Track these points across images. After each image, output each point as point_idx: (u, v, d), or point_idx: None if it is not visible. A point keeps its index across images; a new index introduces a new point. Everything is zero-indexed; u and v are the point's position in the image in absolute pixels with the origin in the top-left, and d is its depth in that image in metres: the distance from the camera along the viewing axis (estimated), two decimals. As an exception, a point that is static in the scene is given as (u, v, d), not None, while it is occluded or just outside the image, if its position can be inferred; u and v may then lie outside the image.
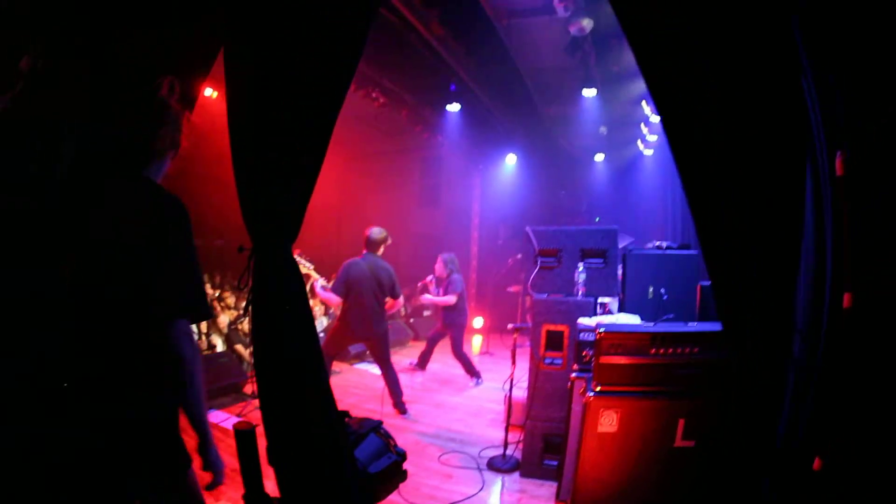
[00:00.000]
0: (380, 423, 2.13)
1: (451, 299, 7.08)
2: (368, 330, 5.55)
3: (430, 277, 7.47)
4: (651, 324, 2.99)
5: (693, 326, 2.83)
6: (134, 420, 1.57)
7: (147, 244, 1.58)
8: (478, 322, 11.07)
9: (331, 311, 8.48)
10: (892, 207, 1.39)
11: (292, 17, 1.88)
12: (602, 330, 2.89)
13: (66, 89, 1.90)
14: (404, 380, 7.11)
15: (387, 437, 2.09)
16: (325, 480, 1.92)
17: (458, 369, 7.48)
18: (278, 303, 1.90)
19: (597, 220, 12.01)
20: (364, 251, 5.59)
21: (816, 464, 1.55)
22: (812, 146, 1.60)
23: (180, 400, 1.66)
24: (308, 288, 8.16)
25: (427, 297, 7.28)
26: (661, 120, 1.81)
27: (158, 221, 1.62)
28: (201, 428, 1.72)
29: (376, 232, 5.64)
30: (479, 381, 7.38)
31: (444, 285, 7.37)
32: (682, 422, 2.74)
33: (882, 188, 1.40)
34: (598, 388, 2.87)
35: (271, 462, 1.95)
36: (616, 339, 2.86)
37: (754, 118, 1.54)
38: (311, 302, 7.95)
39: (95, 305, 1.52)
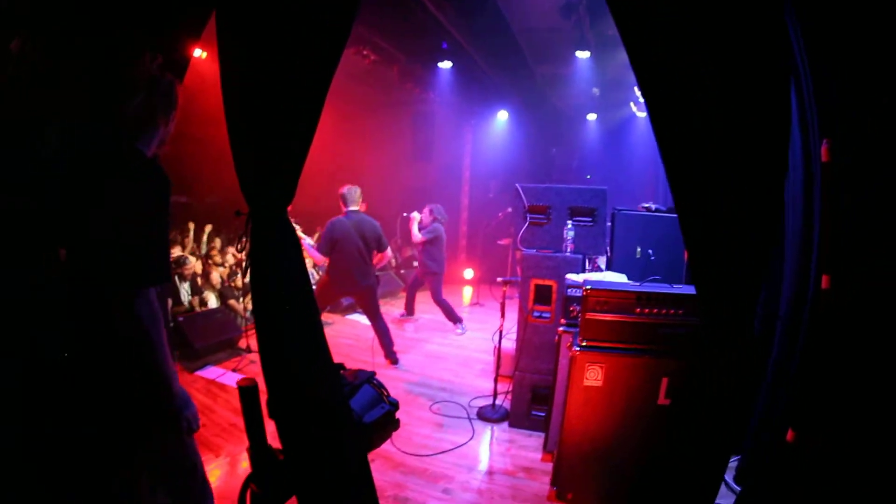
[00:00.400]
0: (373, 374, 2.22)
1: (416, 235, 7.37)
2: (354, 284, 5.67)
3: (413, 213, 7.59)
4: (637, 283, 3.08)
5: (679, 289, 2.91)
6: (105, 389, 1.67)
7: (121, 216, 1.64)
8: (468, 273, 11.22)
9: (319, 267, 8.59)
10: (883, 196, 1.46)
11: None
12: (589, 287, 2.97)
13: (56, 67, 1.91)
14: (395, 330, 7.29)
15: (380, 387, 2.18)
16: (324, 430, 2.02)
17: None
18: (275, 265, 1.96)
19: (588, 177, 12.04)
20: (346, 210, 5.65)
21: (790, 435, 1.66)
22: (806, 132, 1.65)
23: (145, 364, 1.74)
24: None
25: (415, 231, 7.46)
26: (641, 85, 1.83)
27: (136, 194, 1.68)
28: (167, 387, 1.81)
29: (349, 189, 5.72)
30: (462, 326, 7.64)
31: (427, 229, 7.57)
32: (665, 380, 2.85)
33: (875, 176, 1.46)
34: (584, 343, 2.97)
35: (272, 415, 2.03)
36: (602, 296, 2.94)
37: (738, 93, 1.58)
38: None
39: (76, 277, 1.60)
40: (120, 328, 1.68)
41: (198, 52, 6.51)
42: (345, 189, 5.70)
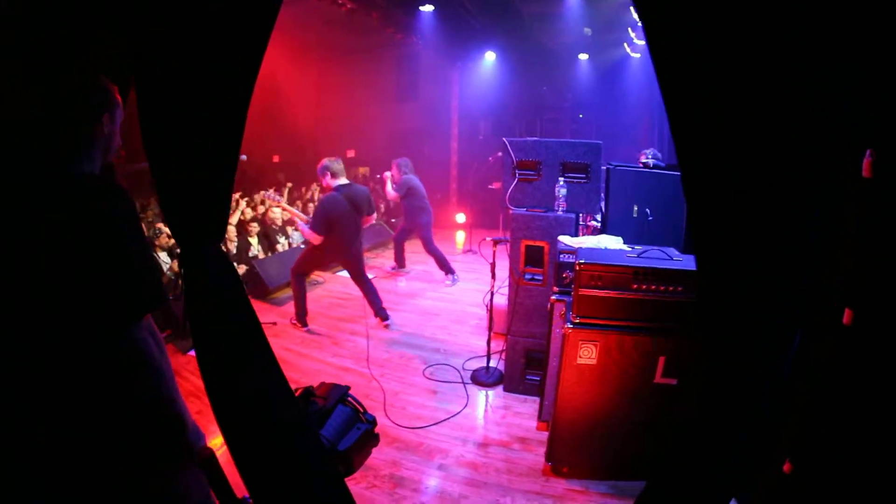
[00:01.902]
0: (346, 389, 2.08)
1: (391, 193, 7.51)
2: (346, 252, 5.51)
3: (387, 174, 7.66)
4: (635, 254, 2.91)
5: (678, 263, 2.74)
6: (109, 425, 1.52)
7: (93, 246, 1.44)
8: (460, 218, 11.04)
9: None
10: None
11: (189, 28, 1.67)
12: (582, 262, 2.81)
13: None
14: (387, 284, 7.25)
15: (355, 403, 2.04)
16: (292, 478, 1.91)
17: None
18: (214, 300, 1.79)
19: (580, 115, 11.73)
20: (334, 183, 5.36)
21: (787, 467, 1.54)
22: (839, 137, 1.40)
23: (153, 398, 1.59)
24: (284, 217, 8.14)
25: (390, 191, 7.59)
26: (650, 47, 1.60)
27: (102, 220, 1.47)
28: (179, 422, 1.66)
29: (333, 161, 5.42)
30: (455, 277, 7.59)
31: (400, 183, 7.55)
32: (662, 359, 2.73)
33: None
34: (577, 320, 2.84)
35: (237, 464, 1.92)
36: (597, 271, 2.79)
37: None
38: (281, 213, 7.93)
39: (51, 314, 1.42)
40: (121, 363, 1.52)
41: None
42: (326, 161, 5.38)
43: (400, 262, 8.12)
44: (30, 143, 1.55)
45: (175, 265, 6.30)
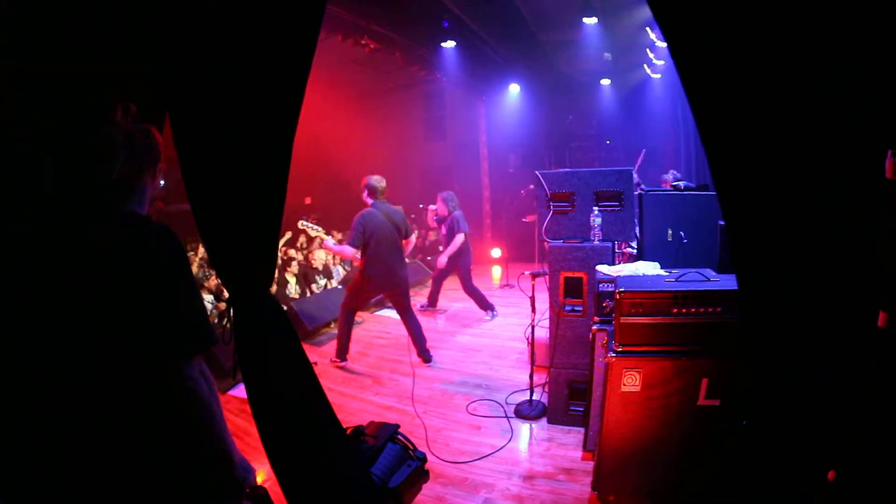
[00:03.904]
0: (396, 427, 2.10)
1: (459, 239, 7.22)
2: (393, 279, 5.53)
3: (431, 206, 7.57)
4: (673, 278, 2.91)
5: (715, 283, 2.73)
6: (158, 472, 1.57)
7: (141, 286, 1.51)
8: (495, 253, 11.07)
9: (345, 262, 8.56)
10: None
11: (228, 74, 1.76)
12: (622, 290, 2.81)
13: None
14: (426, 323, 7.21)
15: (405, 441, 2.07)
16: None
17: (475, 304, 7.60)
18: (267, 351, 1.84)
19: (608, 142, 11.75)
20: (371, 200, 5.49)
21: (831, 475, 1.50)
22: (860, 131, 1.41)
23: (202, 435, 1.63)
24: (318, 244, 8.25)
25: (443, 258, 7.30)
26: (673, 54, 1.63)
27: (150, 259, 1.54)
28: (228, 458, 1.70)
29: (377, 179, 5.55)
30: (494, 313, 7.54)
31: (448, 223, 7.42)
32: (705, 381, 2.70)
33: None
34: (620, 349, 2.83)
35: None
36: (637, 298, 2.79)
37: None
38: (325, 255, 8.02)
39: (98, 355, 1.48)
40: (172, 401, 1.58)
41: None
42: (372, 179, 5.52)
43: (433, 301, 8.08)
44: (88, 184, 1.64)
45: (221, 306, 6.46)
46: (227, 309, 1.82)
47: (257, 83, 1.77)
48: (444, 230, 7.54)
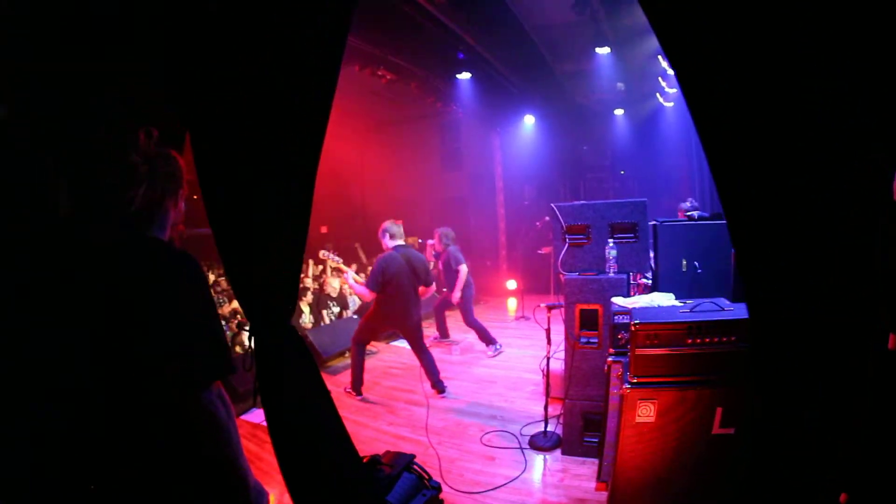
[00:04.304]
0: (412, 457, 2.12)
1: (464, 270, 7.34)
2: (407, 320, 5.59)
3: (429, 241, 7.63)
4: (687, 308, 2.92)
5: (729, 313, 2.74)
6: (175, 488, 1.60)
7: (164, 314, 1.56)
8: (511, 284, 11.07)
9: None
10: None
11: (254, 95, 1.82)
12: (637, 322, 2.83)
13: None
14: (441, 354, 7.22)
15: (420, 471, 2.08)
16: None
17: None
18: (288, 381, 1.87)
19: (622, 172, 11.80)
20: (392, 244, 5.57)
21: (842, 498, 1.50)
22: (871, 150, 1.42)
23: (218, 458, 1.66)
24: (338, 279, 8.31)
25: (456, 293, 7.40)
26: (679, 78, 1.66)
27: (172, 286, 1.60)
28: (243, 482, 1.73)
29: (395, 225, 5.65)
30: (497, 346, 7.45)
31: (444, 259, 7.50)
32: (720, 410, 2.70)
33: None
34: (635, 380, 2.83)
35: None
36: (652, 330, 2.80)
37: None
38: (339, 284, 8.06)
39: (122, 380, 1.53)
40: (191, 424, 1.61)
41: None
42: (389, 224, 5.63)
43: (442, 331, 8.10)
44: (113, 209, 1.70)
45: (243, 336, 6.51)
46: (249, 338, 1.86)
47: (285, 116, 1.83)
48: (440, 265, 7.62)
